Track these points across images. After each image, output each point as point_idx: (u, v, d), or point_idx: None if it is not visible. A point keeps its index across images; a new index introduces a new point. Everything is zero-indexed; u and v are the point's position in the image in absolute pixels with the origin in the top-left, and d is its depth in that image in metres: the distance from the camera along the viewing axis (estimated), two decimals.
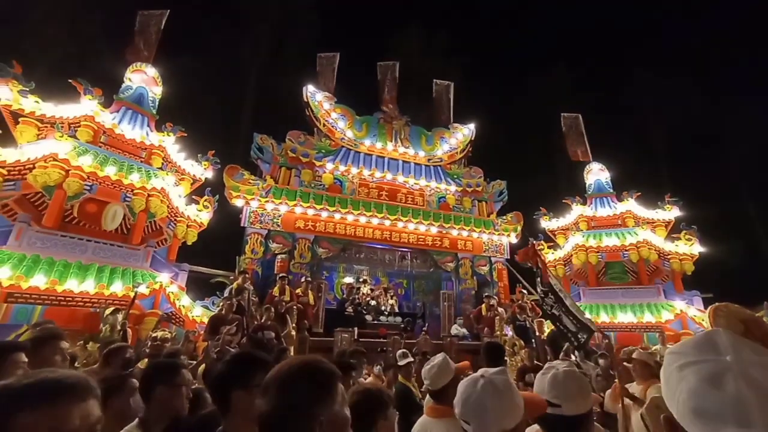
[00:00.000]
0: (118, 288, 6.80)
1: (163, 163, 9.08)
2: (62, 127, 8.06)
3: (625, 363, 4.09)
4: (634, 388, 3.56)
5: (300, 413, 0.88)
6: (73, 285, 6.48)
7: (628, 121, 27.53)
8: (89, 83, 8.27)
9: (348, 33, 26.99)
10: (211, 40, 23.71)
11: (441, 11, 31.68)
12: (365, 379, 4.46)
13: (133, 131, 8.65)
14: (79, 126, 8.08)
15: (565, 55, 29.12)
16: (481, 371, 1.23)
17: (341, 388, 0.96)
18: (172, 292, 7.54)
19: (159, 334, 4.87)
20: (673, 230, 11.86)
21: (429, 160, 12.59)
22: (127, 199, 7.83)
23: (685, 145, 26.41)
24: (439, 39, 27.77)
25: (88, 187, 7.47)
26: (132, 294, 6.28)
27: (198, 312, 7.83)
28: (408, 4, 30.36)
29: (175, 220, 8.92)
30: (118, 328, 5.68)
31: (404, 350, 5.95)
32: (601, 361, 5.69)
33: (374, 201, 11.08)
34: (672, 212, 12.06)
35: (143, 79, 9.56)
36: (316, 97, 11.93)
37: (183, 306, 7.64)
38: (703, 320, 9.17)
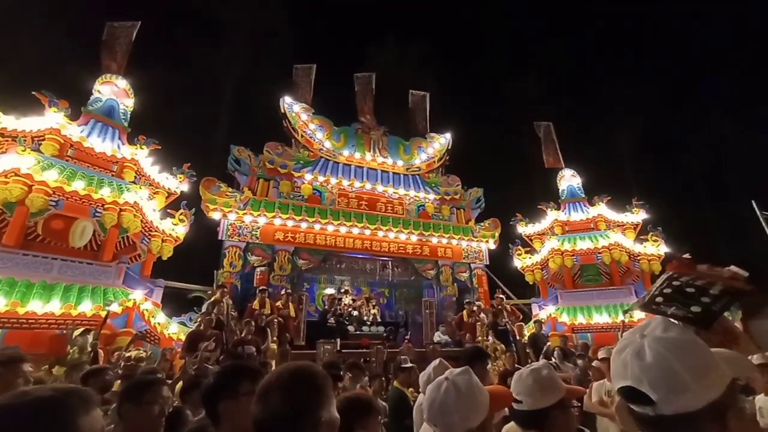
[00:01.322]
0: (87, 307, 6.49)
1: (136, 177, 8.80)
2: (25, 140, 7.72)
3: (594, 363, 4.26)
4: (608, 385, 3.70)
5: (304, 416, 0.90)
6: (36, 306, 6.14)
7: (597, 129, 28.80)
8: (54, 95, 7.98)
9: (324, 44, 27.22)
10: (186, 51, 23.32)
11: (416, 23, 32.44)
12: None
13: (103, 144, 8.36)
14: (44, 139, 7.75)
15: (538, 64, 30.30)
16: (446, 373, 1.27)
17: (332, 391, 1.01)
18: (146, 310, 7.26)
19: (133, 353, 4.68)
20: (641, 232, 12.42)
21: (407, 169, 12.75)
22: (97, 214, 7.54)
23: (650, 150, 27.85)
24: (415, 50, 28.38)
25: (54, 203, 7.14)
26: (103, 313, 6.02)
27: (174, 329, 7.56)
28: (383, 16, 30.99)
29: (150, 234, 8.64)
30: (89, 349, 5.41)
31: (405, 357, 5.99)
32: (579, 362, 5.87)
33: (354, 211, 11.10)
34: (639, 215, 12.65)
35: (113, 91, 9.30)
36: (294, 108, 11.93)
37: (158, 323, 7.36)
38: None
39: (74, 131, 8.02)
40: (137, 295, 7.28)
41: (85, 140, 8.05)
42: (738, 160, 27.06)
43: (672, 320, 0.74)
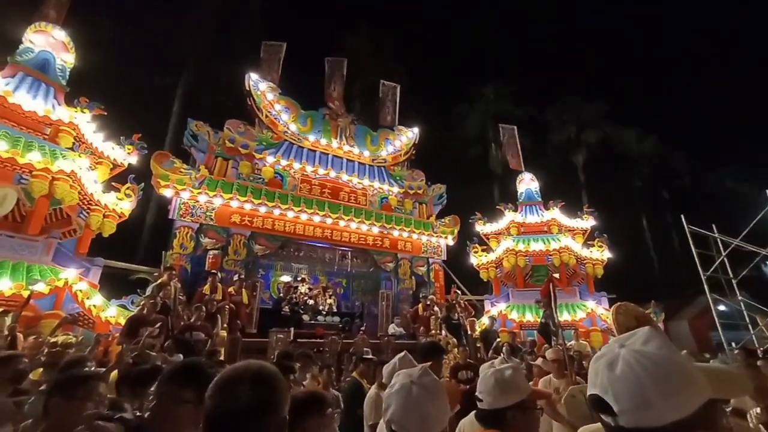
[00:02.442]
0: (5, 285, 5.74)
1: (74, 143, 7.88)
2: None
3: (538, 361, 4.53)
4: (555, 382, 3.90)
5: (271, 413, 0.89)
6: None
7: (555, 137, 30.38)
8: None
9: (296, 24, 26.08)
10: (142, 8, 21.24)
11: (389, 13, 32.00)
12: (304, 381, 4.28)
13: (33, 102, 7.36)
14: None
15: (505, 68, 31.22)
16: (406, 377, 1.24)
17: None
18: (80, 290, 6.58)
19: (60, 338, 4.21)
20: (589, 238, 13.30)
21: (373, 160, 12.63)
22: (23, 181, 6.67)
23: (600, 161, 29.83)
24: (387, 42, 28.11)
25: None
26: (25, 293, 5.37)
27: (113, 312, 6.93)
28: (358, 1, 30.24)
29: (89, 208, 7.82)
30: (5, 333, 4.79)
31: (367, 349, 5.94)
32: (528, 357, 6.16)
33: (316, 198, 10.82)
34: (589, 222, 13.53)
35: (49, 42, 8.19)
36: (260, 86, 11.33)
37: (94, 306, 6.71)
38: (608, 318, 10.38)
39: None
40: (69, 273, 6.57)
41: (10, 94, 7.02)
42: (673, 178, 29.94)
43: (656, 330, 0.70)
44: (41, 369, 3.65)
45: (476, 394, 1.52)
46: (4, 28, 8.82)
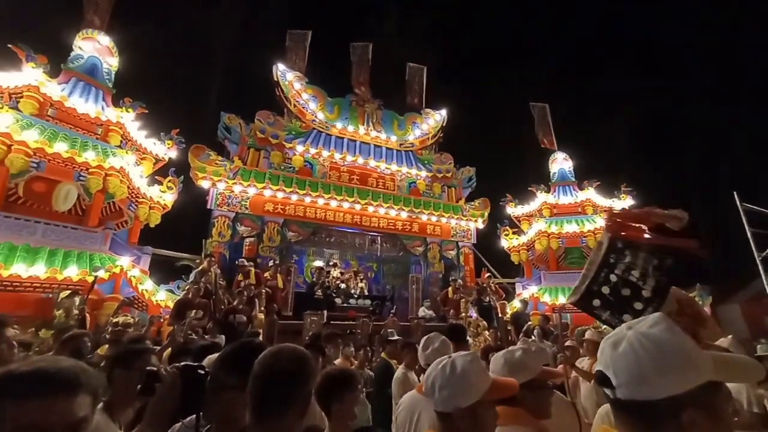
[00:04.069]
0: (73, 272, 6.44)
1: (122, 141, 8.53)
2: (2, 97, 7.36)
3: (568, 344, 4.51)
4: (583, 363, 3.91)
5: (306, 379, 1.07)
6: (20, 269, 6.07)
7: (592, 114, 28.73)
8: (32, 49, 7.55)
9: (321, 11, 26.04)
10: (175, 10, 22.12)
11: None
12: (337, 361, 4.55)
13: (86, 105, 8.02)
14: (22, 97, 7.39)
15: (537, 45, 29.72)
16: (452, 354, 1.28)
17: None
18: (133, 276, 7.24)
19: (120, 319, 4.71)
20: None
21: (400, 144, 12.62)
22: (81, 178, 7.34)
23: (641, 138, 28.01)
24: (414, 23, 27.50)
25: (35, 165, 6.91)
26: (90, 278, 6.00)
27: (162, 296, 7.59)
28: None
29: (137, 201, 8.49)
30: (75, 312, 5.42)
31: (392, 330, 6.17)
32: (561, 340, 6.11)
33: (345, 185, 11.03)
34: (627, 201, 12.87)
35: (96, 48, 8.82)
36: (287, 76, 11.56)
37: (146, 290, 7.38)
38: None
39: (54, 89, 7.66)
40: (124, 261, 7.23)
41: (66, 99, 7.71)
42: (724, 152, 27.48)
43: (665, 316, 0.75)
44: (107, 345, 4.13)
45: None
46: (54, 35, 9.53)
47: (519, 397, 1.45)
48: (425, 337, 2.44)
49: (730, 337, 2.78)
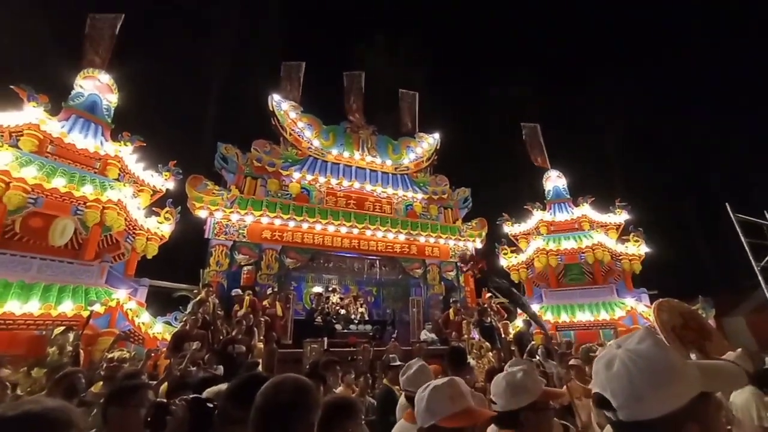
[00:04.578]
0: (67, 307, 6.36)
1: (119, 174, 8.62)
2: (2, 136, 7.49)
3: (572, 362, 4.43)
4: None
5: (308, 411, 1.08)
6: (14, 306, 5.98)
7: (582, 130, 29.36)
8: (34, 89, 7.75)
9: (313, 42, 26.99)
10: (171, 45, 22.85)
11: (405, 22, 32.51)
12: (338, 389, 4.45)
13: (85, 140, 8.16)
14: (22, 135, 7.52)
15: (526, 64, 30.69)
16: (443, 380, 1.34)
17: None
18: (130, 309, 7.14)
19: (116, 354, 4.62)
20: (623, 233, 12.74)
21: (396, 168, 12.80)
22: (78, 212, 7.37)
23: (633, 152, 28.51)
24: (404, 50, 28.46)
25: (33, 201, 6.95)
26: (85, 313, 5.90)
27: (159, 328, 7.45)
28: (372, 14, 30.91)
29: (134, 233, 8.48)
30: (69, 349, 5.31)
31: (394, 356, 6.04)
32: (565, 359, 6.01)
33: (342, 210, 11.11)
34: (622, 216, 12.97)
35: (96, 86, 9.07)
36: (282, 106, 11.85)
37: (142, 323, 7.25)
38: (649, 315, 9.89)
39: (54, 127, 7.81)
40: (121, 294, 7.15)
41: (66, 136, 7.85)
42: (716, 163, 27.96)
43: (650, 331, 0.77)
44: (101, 382, 4.03)
45: (490, 397, 1.57)
46: (56, 73, 9.82)
47: (522, 420, 1.44)
48: (406, 364, 2.43)
49: (739, 350, 2.72)
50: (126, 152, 8.66)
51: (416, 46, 29.20)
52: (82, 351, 5.50)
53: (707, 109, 28.43)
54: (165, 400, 1.15)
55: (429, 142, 13.61)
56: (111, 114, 9.26)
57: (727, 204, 10.24)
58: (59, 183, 7.05)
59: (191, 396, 1.18)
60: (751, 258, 9.85)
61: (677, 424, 0.66)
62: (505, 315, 10.43)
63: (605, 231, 12.62)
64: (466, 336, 8.96)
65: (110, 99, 9.27)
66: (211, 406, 1.16)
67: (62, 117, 8.37)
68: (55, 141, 7.81)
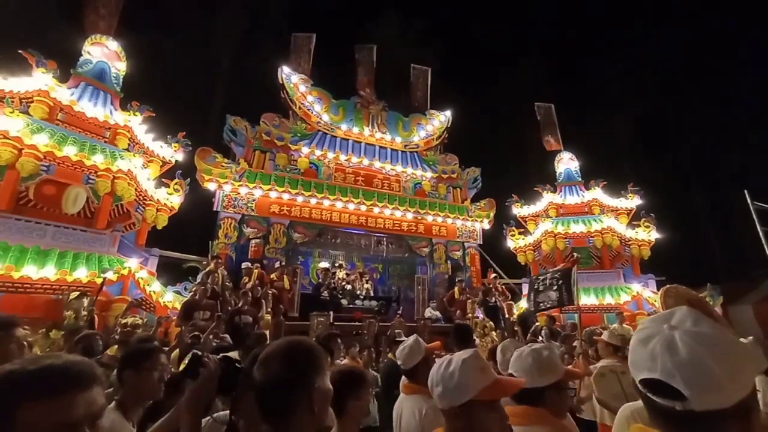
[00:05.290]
0: (82, 274, 6.51)
1: (129, 144, 8.61)
2: (13, 102, 7.48)
3: (575, 344, 4.44)
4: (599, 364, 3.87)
5: (300, 380, 0.99)
6: (31, 271, 6.14)
7: (597, 113, 28.54)
8: (42, 55, 7.67)
9: (324, 14, 26.19)
10: (180, 16, 22.31)
11: None
12: (342, 361, 4.55)
13: (95, 109, 8.12)
14: (32, 101, 7.51)
15: (540, 45, 29.63)
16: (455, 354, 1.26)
17: (327, 364, 1.09)
18: (141, 278, 7.30)
19: (129, 320, 4.75)
20: (634, 218, 12.56)
21: (405, 146, 12.62)
22: (90, 181, 7.42)
23: (647, 137, 27.74)
24: (417, 25, 27.50)
25: (45, 168, 7.01)
26: (98, 280, 6.05)
27: (170, 297, 7.64)
28: None
29: (144, 203, 8.56)
30: (84, 314, 5.48)
31: (399, 331, 6.11)
32: (569, 340, 6.06)
33: (350, 186, 11.05)
34: (634, 201, 12.75)
35: (104, 53, 8.93)
36: (292, 79, 11.62)
37: (154, 292, 7.43)
38: (655, 301, 9.87)
39: (64, 94, 7.77)
40: (132, 263, 7.29)
41: (75, 104, 7.81)
42: (733, 149, 27.10)
43: (694, 312, 0.71)
44: (116, 346, 4.17)
45: (510, 371, 1.54)
46: (63, 38, 9.67)
47: (546, 398, 1.44)
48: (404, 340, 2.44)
49: (750, 338, 2.70)
50: (135, 122, 8.62)
51: (430, 20, 28.21)
52: (96, 316, 5.67)
53: (723, 94, 27.30)
54: (199, 352, 1.16)
55: (440, 119, 13.32)
56: (120, 83, 9.16)
57: (745, 191, 9.97)
58: (70, 151, 7.07)
59: (221, 355, 1.19)
60: (766, 247, 9.66)
61: (747, 410, 0.62)
62: (509, 296, 10.50)
63: (616, 216, 12.45)
64: (470, 315, 9.06)
65: (119, 67, 9.15)
66: (240, 367, 1.16)
67: (71, 84, 8.31)
68: (65, 108, 7.78)
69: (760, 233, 9.69)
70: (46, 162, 6.96)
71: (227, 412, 1.14)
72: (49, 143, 6.87)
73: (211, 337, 4.41)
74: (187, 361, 1.12)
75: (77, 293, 5.90)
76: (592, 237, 11.62)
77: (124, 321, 4.80)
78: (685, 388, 0.62)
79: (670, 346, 0.65)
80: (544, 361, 1.48)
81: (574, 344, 5.06)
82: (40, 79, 7.48)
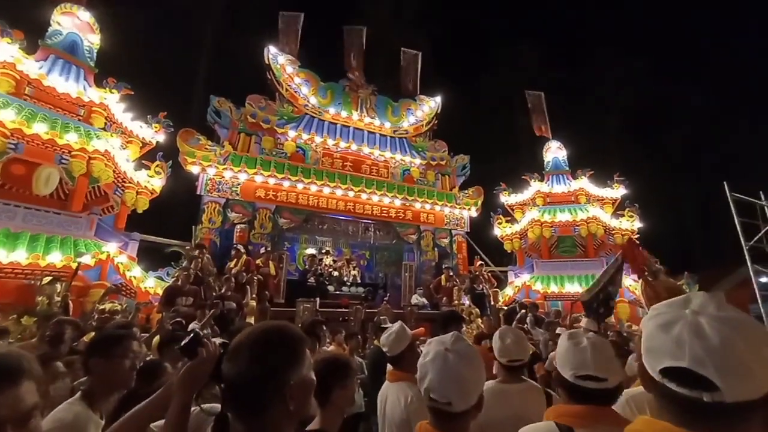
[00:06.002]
0: (56, 258, 6.24)
1: (106, 123, 8.21)
2: None
3: (559, 331, 4.49)
4: None
5: (271, 377, 0.88)
6: (0, 255, 5.85)
7: (586, 101, 28.75)
8: (6, 24, 7.15)
9: None
10: None
11: None
12: (328, 347, 4.49)
13: (66, 84, 7.66)
14: None
15: (531, 33, 29.43)
16: (440, 344, 1.18)
17: (308, 353, 0.97)
18: (120, 263, 7.06)
19: (107, 306, 4.58)
20: (619, 207, 12.77)
21: (394, 131, 12.43)
22: (63, 161, 7.05)
23: (634, 127, 28.13)
24: (408, 8, 26.91)
25: (13, 146, 6.61)
26: (74, 265, 5.80)
27: (151, 283, 7.42)
28: None
29: (123, 186, 8.23)
30: (58, 299, 5.25)
31: (385, 317, 6.06)
32: (551, 328, 6.15)
33: (338, 171, 10.86)
34: (619, 191, 12.95)
35: (75, 24, 8.38)
36: (279, 59, 11.22)
37: (134, 277, 7.20)
38: (636, 290, 10.12)
39: (32, 67, 7.29)
40: (111, 247, 7.03)
41: (44, 78, 7.34)
42: (715, 141, 27.77)
43: (714, 296, 0.65)
44: (93, 333, 4.00)
45: (580, 371, 1.18)
46: (31, 10, 9.06)
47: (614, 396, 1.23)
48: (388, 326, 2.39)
49: None
50: (112, 100, 8.20)
51: (420, 5, 27.61)
52: (71, 302, 5.45)
53: (710, 88, 27.82)
54: (202, 332, 1.05)
55: (430, 105, 13.14)
56: (93, 57, 8.67)
57: (725, 183, 10.20)
58: (40, 129, 6.68)
59: (221, 341, 1.09)
60: (741, 237, 9.96)
61: None
62: (495, 283, 10.61)
63: (601, 205, 12.63)
64: (456, 302, 9.12)
65: (92, 40, 8.63)
66: None
67: (39, 57, 7.80)
68: (33, 83, 7.32)
69: (737, 224, 9.96)
70: (14, 140, 6.56)
71: (216, 405, 1.03)
72: (17, 119, 6.47)
73: (206, 330, 4.28)
74: (187, 339, 1.01)
75: (50, 278, 5.65)
76: (577, 226, 11.78)
77: (101, 307, 4.62)
78: (716, 377, 0.57)
79: (699, 332, 0.60)
80: (611, 353, 1.25)
81: (558, 331, 5.12)
82: (4, 50, 6.97)
